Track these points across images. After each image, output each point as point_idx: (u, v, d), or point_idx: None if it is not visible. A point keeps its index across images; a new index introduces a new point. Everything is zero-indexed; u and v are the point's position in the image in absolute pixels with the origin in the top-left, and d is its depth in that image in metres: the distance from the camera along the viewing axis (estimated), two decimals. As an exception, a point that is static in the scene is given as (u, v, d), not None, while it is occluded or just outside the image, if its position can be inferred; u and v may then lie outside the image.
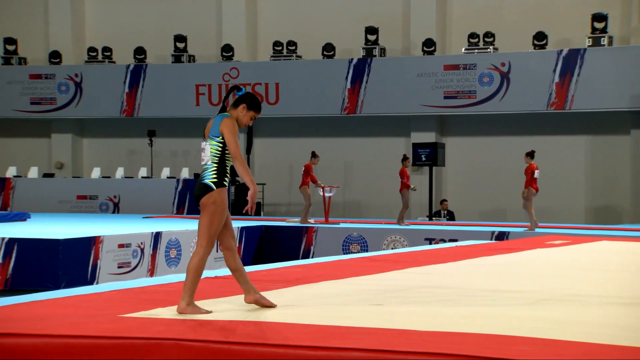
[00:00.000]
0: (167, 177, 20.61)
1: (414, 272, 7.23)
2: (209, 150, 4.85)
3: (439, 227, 15.14)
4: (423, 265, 7.76)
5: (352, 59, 21.37)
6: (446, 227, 15.40)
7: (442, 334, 4.14)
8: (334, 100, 21.37)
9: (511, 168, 20.79)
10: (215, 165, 4.83)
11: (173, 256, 12.64)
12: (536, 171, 14.25)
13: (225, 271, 7.27)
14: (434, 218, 19.05)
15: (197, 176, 20.48)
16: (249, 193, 4.86)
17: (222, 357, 3.87)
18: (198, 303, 4.89)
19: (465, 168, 21.20)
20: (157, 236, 12.30)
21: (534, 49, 20.17)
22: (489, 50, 20.61)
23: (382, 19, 22.03)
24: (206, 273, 7.04)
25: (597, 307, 5.25)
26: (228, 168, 4.89)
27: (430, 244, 13.55)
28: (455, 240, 12.78)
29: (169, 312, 4.86)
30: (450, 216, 19.55)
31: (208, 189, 4.81)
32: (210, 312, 4.81)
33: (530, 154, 14.39)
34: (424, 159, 19.12)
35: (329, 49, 21.77)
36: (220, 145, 4.83)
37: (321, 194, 16.52)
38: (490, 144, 21.12)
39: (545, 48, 20.07)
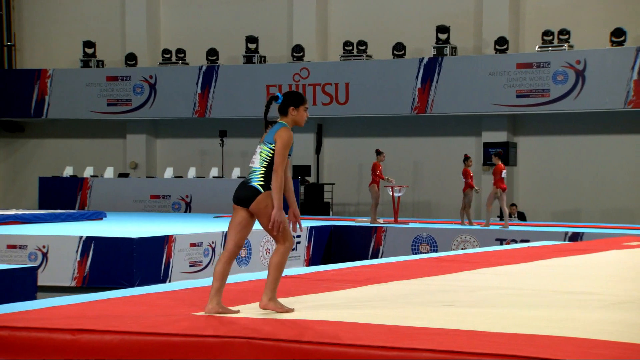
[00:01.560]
0: (238, 177, 20.85)
1: (485, 273, 7.14)
2: (259, 154, 4.91)
3: (511, 228, 14.91)
4: (494, 266, 7.66)
5: (422, 59, 21.24)
6: (517, 228, 15.16)
7: (512, 336, 4.09)
8: (404, 99, 21.27)
9: (585, 168, 20.36)
10: (264, 169, 4.86)
11: (243, 255, 12.78)
12: (503, 171, 14.51)
13: (289, 271, 7.33)
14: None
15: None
16: (272, 212, 4.84)
17: (294, 357, 3.89)
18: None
19: (537, 168, 20.85)
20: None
21: (612, 45, 19.69)
22: (563, 47, 20.21)
23: (454, 17, 21.83)
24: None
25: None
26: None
27: (502, 244, 13.36)
28: (527, 241, 12.58)
29: (240, 311, 4.92)
30: (521, 217, 19.24)
31: (256, 192, 4.85)
32: (292, 310, 4.85)
33: (498, 155, 14.66)
34: (495, 158, 18.85)
35: (399, 49, 21.68)
36: (272, 152, 4.86)
37: (390, 193, 16.48)
38: (564, 143, 20.72)
39: (623, 45, 19.57)
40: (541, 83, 20.18)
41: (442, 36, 21.34)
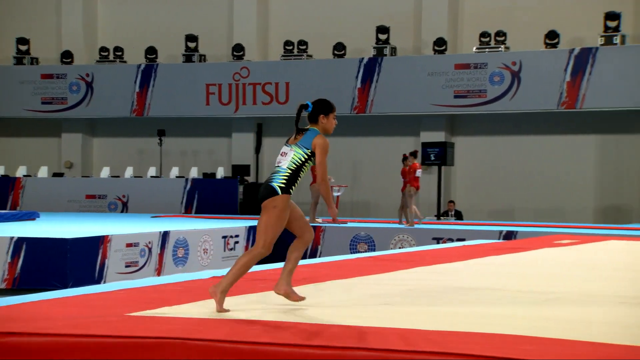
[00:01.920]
0: (176, 177, 20.66)
1: (421, 272, 7.21)
2: (291, 156, 4.91)
3: (447, 227, 15.11)
4: (430, 265, 7.75)
5: (362, 59, 21.36)
6: (454, 227, 15.37)
7: (447, 333, 4.13)
8: (344, 99, 21.35)
9: (519, 168, 20.75)
10: (290, 171, 4.88)
11: (180, 255, 12.66)
12: (418, 171, 14.86)
13: (219, 271, 7.31)
14: (441, 218, 19.03)
15: (207, 175, 20.65)
16: (331, 212, 5.05)
17: (229, 357, 3.87)
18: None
19: (474, 167, 21.16)
20: (164, 235, 12.32)
21: (546, 47, 20.11)
22: (500, 49, 20.56)
23: (394, 18, 22.01)
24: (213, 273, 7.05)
25: (604, 307, 5.23)
26: (300, 179, 4.94)
27: (438, 243, 13.52)
28: (463, 240, 12.76)
29: (175, 311, 4.87)
30: (458, 216, 19.52)
31: (274, 192, 4.86)
32: (228, 310, 4.82)
33: (414, 154, 15.04)
34: (433, 158, 19.11)
35: (339, 49, 21.77)
36: (305, 156, 4.90)
37: (329, 193, 16.53)
38: (500, 143, 21.07)
39: (557, 47, 20.00)
40: (478, 84, 20.49)
41: (382, 36, 21.50)
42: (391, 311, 4.97)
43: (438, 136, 20.97)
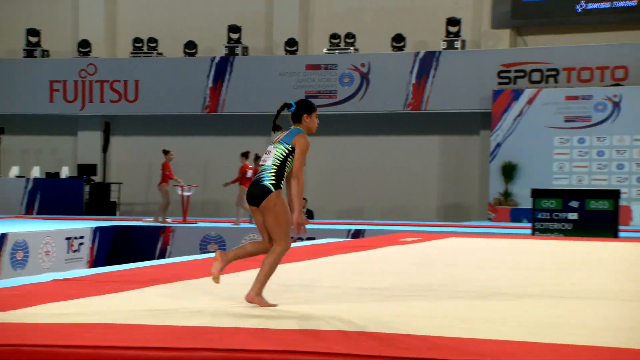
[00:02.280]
0: (16, 176, 19.74)
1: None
2: (273, 153, 5.04)
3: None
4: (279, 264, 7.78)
5: (214, 58, 21.22)
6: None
7: (290, 332, 4.17)
8: (195, 98, 21.16)
9: (368, 167, 21.27)
10: (276, 167, 5.01)
11: (20, 258, 12.09)
12: (249, 171, 15.21)
13: (69, 273, 7.05)
14: (293, 216, 19.20)
15: (50, 175, 19.85)
16: (294, 216, 5.01)
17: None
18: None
19: (324, 167, 21.48)
20: (2, 237, 11.74)
21: (393, 50, 20.70)
22: (349, 50, 20.99)
23: (245, 17, 22.00)
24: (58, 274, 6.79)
25: (445, 301, 5.44)
26: (286, 173, 5.05)
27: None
28: (313, 239, 12.92)
29: (9, 317, 4.64)
30: (310, 215, 19.76)
31: (267, 191, 4.99)
32: (276, 305, 5.01)
33: (245, 154, 15.38)
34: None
35: (190, 47, 21.53)
36: (286, 151, 5.03)
37: (179, 193, 16.34)
38: (349, 143, 21.50)
39: (403, 50, 20.64)
40: (329, 84, 20.83)
41: (234, 36, 21.44)
42: (238, 311, 4.95)
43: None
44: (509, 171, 18.78)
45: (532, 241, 11.69)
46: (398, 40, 20.65)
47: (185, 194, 16.24)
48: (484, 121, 19.91)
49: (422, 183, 20.83)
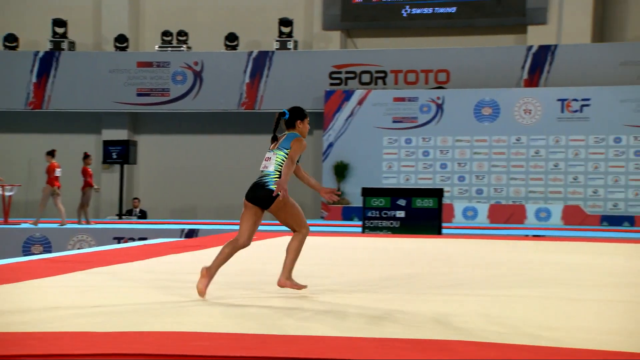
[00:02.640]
0: None
1: (100, 272, 7.01)
2: (274, 159, 5.47)
3: (129, 226, 14.91)
4: (110, 265, 7.56)
5: (37, 52, 20.32)
6: (136, 226, 15.21)
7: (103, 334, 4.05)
8: (17, 94, 20.19)
9: (202, 166, 21.13)
10: (278, 172, 5.44)
11: None
12: (57, 170, 14.95)
13: None
14: (124, 217, 18.75)
15: None
16: (280, 181, 5.36)
17: None
18: None
19: (157, 166, 21.14)
20: None
21: (226, 49, 20.65)
22: (182, 48, 20.72)
23: (72, 11, 21.23)
24: None
25: (270, 300, 5.47)
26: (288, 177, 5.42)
27: (119, 243, 13.28)
28: (145, 239, 12.66)
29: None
30: (143, 215, 19.36)
31: (272, 193, 5.40)
32: (305, 286, 5.59)
33: (51, 153, 15.10)
34: (115, 156, 18.74)
35: (11, 40, 20.50)
36: (287, 156, 5.45)
37: (0, 192, 15.55)
38: (183, 142, 21.26)
39: (236, 49, 20.64)
40: (161, 82, 20.49)
41: (60, 30, 20.62)
42: (66, 314, 4.75)
43: (120, 134, 20.62)
44: (341, 170, 19.21)
45: (361, 239, 12.01)
46: (231, 39, 20.62)
47: (7, 193, 15.46)
48: (317, 121, 20.27)
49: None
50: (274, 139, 5.55)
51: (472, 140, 18.77)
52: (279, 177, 5.38)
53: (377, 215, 13.57)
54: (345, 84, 19.97)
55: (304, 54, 20.43)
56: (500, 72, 19.12)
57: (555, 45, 18.92)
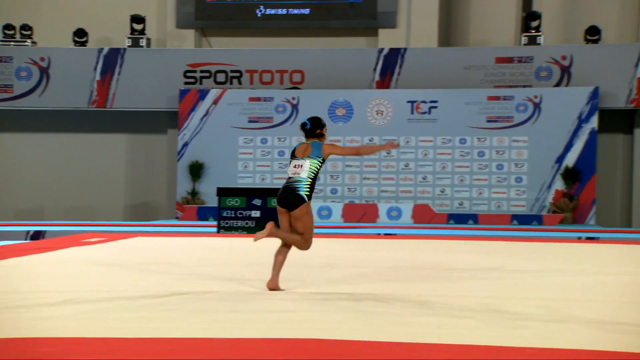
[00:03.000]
0: None
1: None
2: (307, 166, 5.91)
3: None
4: None
5: None
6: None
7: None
8: None
9: (50, 166, 20.34)
10: (310, 180, 5.90)
11: None
12: None
13: None
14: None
15: None
16: (383, 145, 6.04)
17: None
18: None
19: (0, 166, 20.17)
20: None
21: (75, 45, 19.96)
22: (26, 43, 19.86)
23: None
24: None
25: (124, 301, 5.32)
26: (314, 186, 5.91)
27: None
28: (-14, 242, 11.99)
29: None
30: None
31: (302, 200, 5.86)
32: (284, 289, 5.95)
33: None
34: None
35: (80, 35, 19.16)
36: (319, 164, 5.94)
37: None
38: (29, 140, 20.38)
39: (86, 45, 19.99)
40: (3, 78, 19.60)
41: None
42: None
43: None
44: (196, 170, 19.00)
45: (215, 239, 11.92)
46: (80, 35, 19.96)
47: None
48: (171, 120, 19.96)
49: (108, 182, 20.33)
50: (294, 149, 6.05)
51: (326, 140, 19.00)
52: (311, 184, 5.85)
53: (233, 215, 13.51)
54: (200, 83, 19.77)
55: (158, 52, 20.05)
56: (353, 74, 19.50)
57: (405, 49, 19.50)
